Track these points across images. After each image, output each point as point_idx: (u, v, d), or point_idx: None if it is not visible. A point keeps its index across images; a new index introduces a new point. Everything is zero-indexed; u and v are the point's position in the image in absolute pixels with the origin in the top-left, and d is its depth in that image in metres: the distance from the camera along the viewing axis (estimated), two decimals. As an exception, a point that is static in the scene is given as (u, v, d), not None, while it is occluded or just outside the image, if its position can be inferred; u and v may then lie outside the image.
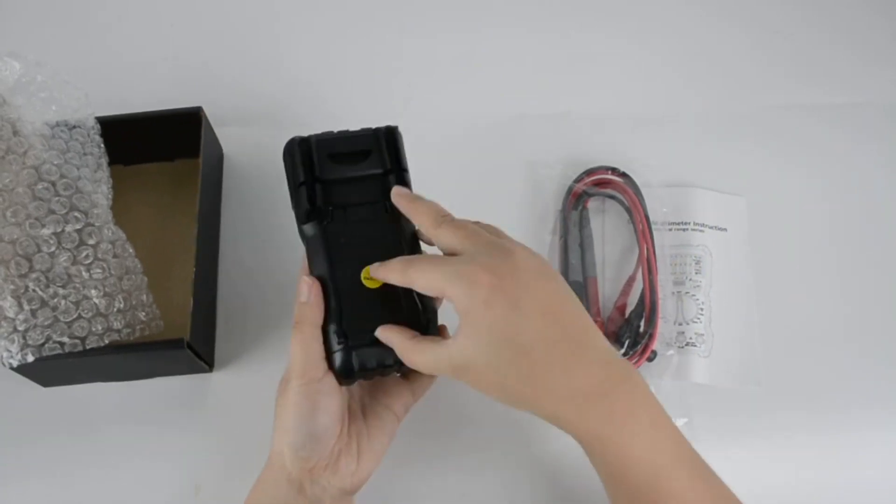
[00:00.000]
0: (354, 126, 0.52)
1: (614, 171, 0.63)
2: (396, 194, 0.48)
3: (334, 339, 0.45)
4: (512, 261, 0.42)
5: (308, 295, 0.46)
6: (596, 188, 0.63)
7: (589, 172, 0.64)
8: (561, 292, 0.43)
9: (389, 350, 0.45)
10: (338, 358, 0.45)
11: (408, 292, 0.46)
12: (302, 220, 0.49)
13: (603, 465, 0.44)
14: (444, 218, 0.45)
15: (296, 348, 0.45)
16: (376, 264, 0.46)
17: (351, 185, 0.49)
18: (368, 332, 0.44)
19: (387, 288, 0.46)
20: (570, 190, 0.63)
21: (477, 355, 0.41)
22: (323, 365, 0.45)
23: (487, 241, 0.44)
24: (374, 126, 0.51)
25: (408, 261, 0.45)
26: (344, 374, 0.45)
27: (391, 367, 0.45)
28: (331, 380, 0.45)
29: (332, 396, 0.45)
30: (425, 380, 0.50)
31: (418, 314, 0.46)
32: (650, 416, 0.43)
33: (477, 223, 0.46)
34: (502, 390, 0.42)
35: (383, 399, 0.49)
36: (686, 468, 0.43)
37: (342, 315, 0.45)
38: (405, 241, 0.48)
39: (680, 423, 0.56)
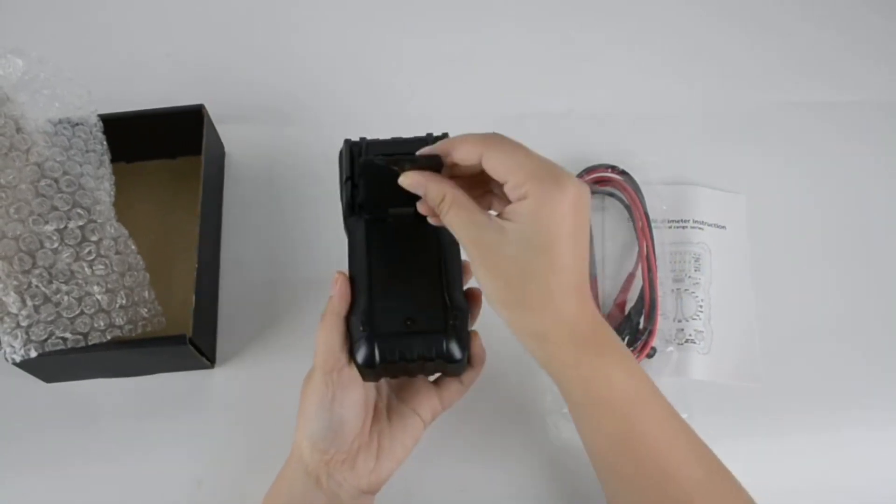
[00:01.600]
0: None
1: (614, 168, 0.64)
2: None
3: (358, 328, 0.45)
4: (581, 203, 0.42)
5: (333, 289, 0.46)
6: (596, 186, 0.64)
7: (589, 170, 0.64)
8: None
9: (414, 344, 0.44)
10: (359, 347, 0.45)
11: (437, 289, 0.46)
12: (345, 213, 0.49)
13: (579, 397, 0.45)
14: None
15: (318, 338, 0.46)
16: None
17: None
18: (394, 325, 0.44)
19: (418, 284, 0.46)
20: (570, 188, 0.64)
21: (513, 242, 0.42)
22: (342, 356, 0.45)
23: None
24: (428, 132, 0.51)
25: (485, 142, 0.43)
26: (365, 364, 0.44)
27: (415, 364, 0.45)
28: (352, 372, 0.45)
29: (352, 389, 0.45)
30: (454, 388, 0.50)
31: (445, 311, 0.46)
32: (621, 353, 0.45)
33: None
34: (507, 287, 0.43)
35: (410, 402, 0.49)
36: (654, 399, 0.46)
37: (370, 306, 0.45)
38: (443, 239, 0.48)
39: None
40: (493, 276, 0.43)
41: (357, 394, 0.46)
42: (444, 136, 0.49)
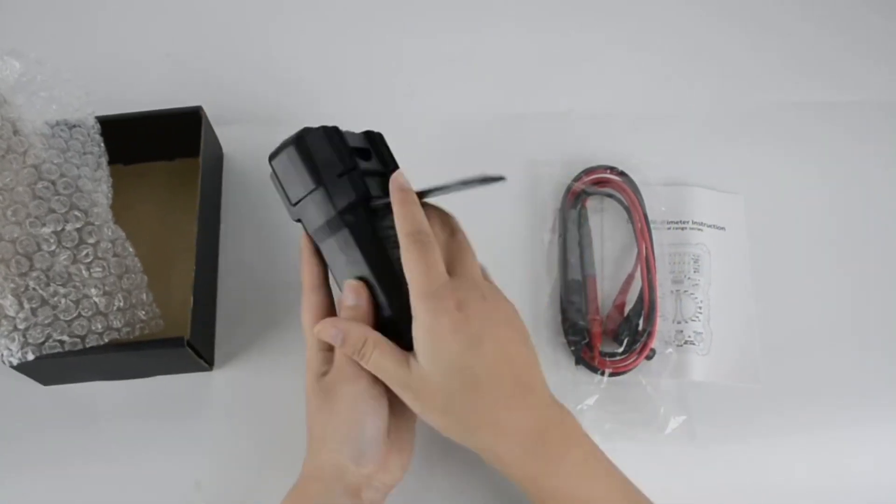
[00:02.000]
0: (355, 127, 0.52)
1: (613, 169, 0.63)
2: (397, 188, 0.46)
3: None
4: (483, 302, 0.44)
5: (357, 298, 0.46)
6: (594, 187, 0.63)
7: (588, 171, 0.64)
8: (518, 341, 0.46)
9: None
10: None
11: None
12: (347, 207, 0.46)
13: (538, 502, 0.45)
14: (420, 236, 0.44)
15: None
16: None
17: (371, 179, 0.48)
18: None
19: None
20: (568, 188, 0.63)
21: (431, 375, 0.42)
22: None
23: (473, 279, 0.45)
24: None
25: (406, 251, 0.44)
26: None
27: None
28: (379, 382, 0.45)
29: (382, 399, 0.46)
30: None
31: None
32: (582, 453, 0.45)
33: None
34: (446, 415, 0.44)
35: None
36: (618, 499, 0.45)
37: (402, 304, 0.45)
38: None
39: (678, 421, 0.56)
40: (428, 411, 0.44)
41: (385, 402, 0.46)
42: (379, 135, 0.51)
